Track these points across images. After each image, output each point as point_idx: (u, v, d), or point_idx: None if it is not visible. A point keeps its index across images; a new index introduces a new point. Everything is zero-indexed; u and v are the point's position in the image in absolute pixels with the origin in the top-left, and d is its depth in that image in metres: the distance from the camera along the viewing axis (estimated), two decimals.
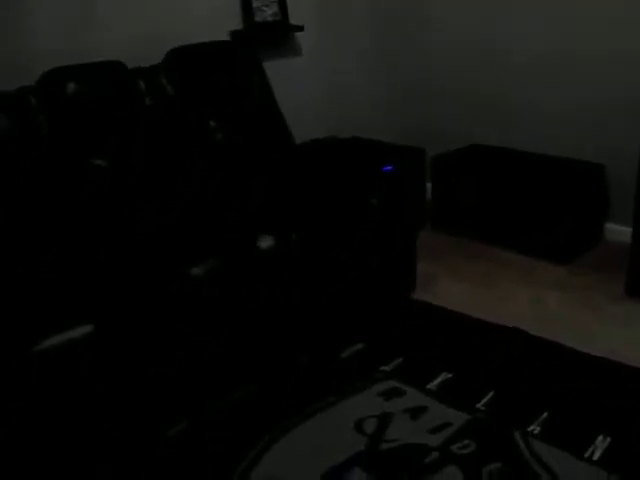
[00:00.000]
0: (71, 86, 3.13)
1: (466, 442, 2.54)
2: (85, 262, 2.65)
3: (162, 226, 2.93)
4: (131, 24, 3.61)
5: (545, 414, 2.67)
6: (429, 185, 4.51)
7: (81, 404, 2.38)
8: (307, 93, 4.42)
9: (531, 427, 2.61)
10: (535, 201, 3.99)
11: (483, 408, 2.73)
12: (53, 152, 3.03)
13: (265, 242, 2.85)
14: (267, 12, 4.25)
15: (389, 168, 3.77)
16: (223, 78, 3.63)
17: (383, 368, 3.01)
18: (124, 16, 3.59)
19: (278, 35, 4.35)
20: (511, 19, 4.27)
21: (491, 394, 2.81)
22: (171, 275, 2.63)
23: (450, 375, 2.94)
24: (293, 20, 4.31)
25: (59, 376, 2.31)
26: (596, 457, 2.45)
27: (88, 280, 2.54)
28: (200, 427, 2.67)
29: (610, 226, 4.16)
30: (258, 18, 4.20)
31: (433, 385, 2.88)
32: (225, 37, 4.03)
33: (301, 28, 4.31)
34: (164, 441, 2.60)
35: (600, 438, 2.53)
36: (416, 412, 2.72)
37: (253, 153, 3.56)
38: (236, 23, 4.12)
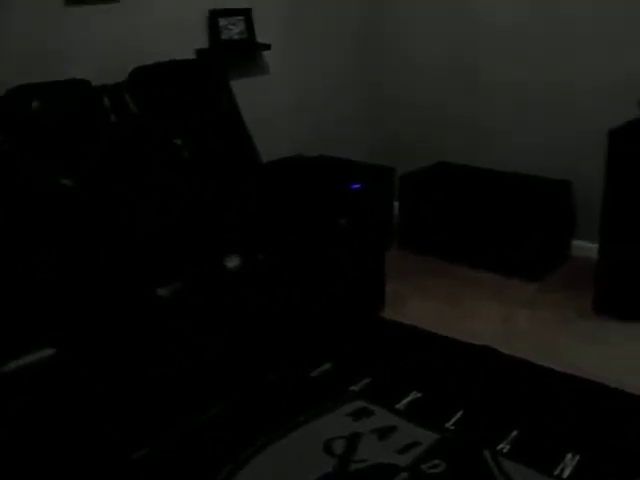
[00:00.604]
0: (35, 103, 3.09)
1: (436, 462, 2.52)
2: (48, 283, 2.60)
3: (127, 246, 2.89)
4: (97, 42, 3.58)
5: (515, 432, 2.66)
6: (396, 204, 4.51)
7: (45, 427, 2.33)
8: (274, 111, 4.40)
9: (501, 446, 2.59)
10: (503, 219, 4.00)
11: (452, 427, 2.71)
12: (16, 171, 2.98)
13: (232, 262, 2.83)
14: (234, 30, 4.23)
15: (357, 187, 3.76)
16: (189, 96, 3.61)
17: (352, 388, 2.99)
18: (90, 33, 3.55)
19: (245, 54, 4.34)
20: (479, 39, 4.31)
21: (460, 413, 2.79)
22: (136, 296, 2.59)
23: (419, 394, 2.92)
24: (260, 38, 4.30)
25: (20, 400, 2.26)
26: (566, 475, 2.44)
27: (50, 302, 2.49)
28: (165, 450, 2.62)
29: (577, 243, 4.19)
30: (225, 36, 4.18)
31: (402, 405, 2.86)
32: (191, 55, 4.01)
33: (268, 47, 4.29)
34: (128, 465, 2.55)
35: (569, 456, 2.53)
36: (385, 432, 2.70)
37: (219, 171, 3.54)
38: (202, 41, 4.10)
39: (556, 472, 2.45)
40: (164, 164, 3.39)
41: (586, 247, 4.03)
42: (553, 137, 4.13)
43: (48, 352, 2.31)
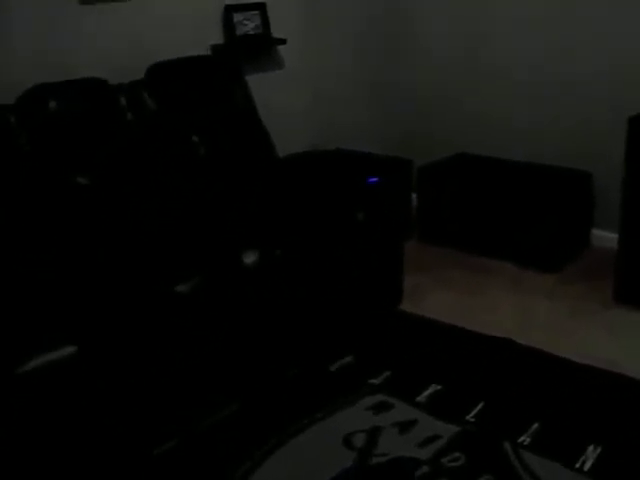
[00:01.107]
0: (52, 103, 3.12)
1: (456, 455, 2.52)
2: (68, 281, 2.62)
3: (146, 243, 2.90)
4: (113, 40, 3.61)
5: (535, 425, 2.65)
6: (414, 196, 4.50)
7: (66, 425, 2.35)
8: (290, 106, 4.41)
9: (521, 438, 2.59)
10: (522, 209, 3.98)
11: (473, 420, 2.70)
12: (35, 170, 3.01)
13: (249, 258, 2.83)
14: (249, 26, 4.24)
15: (374, 180, 3.75)
16: (205, 93, 3.62)
17: (372, 381, 2.99)
18: (106, 32, 3.58)
19: (260, 49, 4.34)
20: (495, 32, 4.28)
21: (481, 405, 2.79)
22: (156, 293, 2.61)
23: (439, 387, 2.92)
24: (275, 33, 4.31)
25: (43, 397, 2.27)
26: (587, 467, 2.43)
27: (71, 300, 2.52)
28: (187, 446, 2.64)
29: (597, 232, 4.16)
30: (239, 32, 4.19)
31: (422, 397, 2.86)
32: (207, 51, 4.02)
33: (283, 41, 4.30)
34: (151, 460, 2.56)
35: (591, 448, 2.51)
36: (405, 425, 2.69)
37: (236, 167, 3.54)
38: (217, 37, 4.11)
39: (577, 465, 2.44)
40: (181, 161, 3.40)
41: (606, 237, 4.00)
42: (571, 127, 4.10)
43: (70, 350, 2.33)
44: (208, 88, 3.66)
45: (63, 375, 2.32)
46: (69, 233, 2.94)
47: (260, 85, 4.05)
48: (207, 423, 2.73)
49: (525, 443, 2.56)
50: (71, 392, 2.35)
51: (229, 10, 4.13)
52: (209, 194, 3.35)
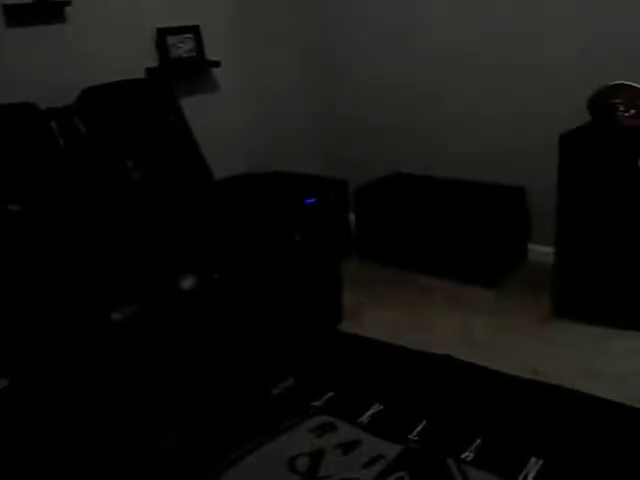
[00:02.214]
0: None
1: (400, 474, 2.51)
2: None
3: (79, 270, 2.84)
4: (43, 65, 3.54)
5: (478, 440, 2.66)
6: (353, 216, 4.51)
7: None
8: (226, 128, 4.38)
9: (464, 454, 2.59)
10: (459, 226, 4.02)
11: (416, 438, 2.70)
12: None
13: (186, 282, 2.80)
14: (183, 48, 4.21)
15: (311, 201, 3.75)
16: (139, 116, 3.58)
17: (314, 403, 2.97)
18: (35, 55, 3.51)
19: (194, 71, 4.32)
20: (427, 53, 4.34)
21: (423, 423, 2.79)
22: (90, 321, 2.55)
23: (381, 407, 2.91)
24: (209, 56, 4.29)
25: None
26: (529, 479, 2.44)
27: (1, 330, 2.44)
28: (125, 476, 2.58)
29: (533, 247, 4.22)
30: (174, 54, 4.16)
31: (365, 418, 2.84)
32: (141, 74, 3.98)
33: (217, 64, 4.28)
34: None
35: (533, 460, 2.53)
36: (349, 446, 2.68)
37: (172, 191, 3.50)
38: (151, 61, 4.07)
39: (520, 477, 2.46)
40: (115, 186, 3.35)
41: (542, 251, 4.06)
42: (506, 144, 4.16)
43: (2, 382, 2.27)
44: (142, 112, 3.63)
45: None
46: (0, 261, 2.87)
47: (196, 108, 4.03)
48: (147, 453, 2.68)
49: (468, 459, 2.57)
50: (3, 425, 2.28)
51: (162, 33, 4.10)
52: (144, 219, 3.30)
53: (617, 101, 3.34)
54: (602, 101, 3.40)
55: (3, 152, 3.07)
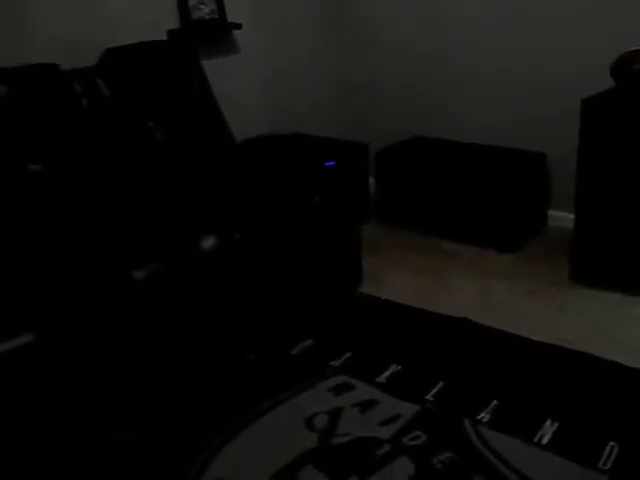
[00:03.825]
0: (3, 89, 3.05)
1: (416, 433, 2.54)
2: (23, 268, 2.59)
3: (102, 229, 2.87)
4: (65, 26, 3.54)
5: (494, 402, 2.69)
6: (372, 180, 4.52)
7: (22, 414, 2.33)
8: (247, 90, 4.39)
9: (480, 415, 2.62)
10: (479, 191, 4.02)
11: (432, 399, 2.73)
12: None
13: (207, 242, 2.82)
14: (204, 10, 4.20)
15: (331, 164, 3.77)
16: (160, 77, 3.58)
17: (332, 363, 3.00)
18: (58, 18, 3.51)
19: (216, 33, 4.31)
20: (446, 17, 4.32)
21: (440, 385, 2.82)
22: (113, 279, 2.59)
23: (399, 367, 2.94)
24: (231, 18, 4.28)
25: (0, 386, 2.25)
26: (545, 441, 2.47)
27: (27, 287, 2.49)
28: (147, 433, 2.63)
29: (553, 213, 4.22)
30: (195, 16, 4.15)
31: (382, 378, 2.88)
32: (162, 37, 3.98)
33: (239, 26, 4.27)
34: (112, 448, 2.55)
35: (548, 422, 2.56)
36: (366, 406, 2.72)
37: (193, 152, 3.52)
38: (173, 22, 4.07)
39: (536, 439, 2.48)
40: (137, 147, 3.37)
41: (562, 217, 4.06)
42: (526, 109, 4.14)
43: (27, 338, 2.31)
44: (163, 73, 3.63)
45: (22, 363, 2.30)
46: (22, 221, 2.90)
47: (216, 70, 4.02)
48: (168, 408, 2.73)
49: (484, 420, 2.60)
50: (30, 380, 2.33)
51: None
52: (166, 179, 3.32)
53: (639, 66, 3.31)
54: (624, 67, 3.36)
55: (26, 113, 3.09)
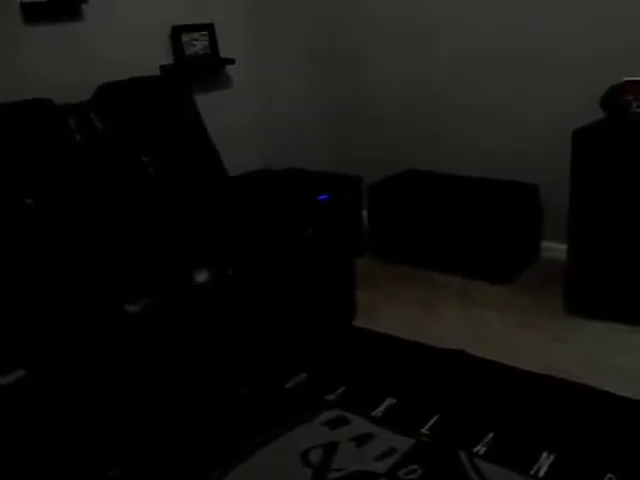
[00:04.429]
0: None
1: (412, 467, 2.52)
2: (15, 303, 2.58)
3: (95, 264, 2.87)
4: (59, 62, 3.57)
5: (490, 434, 2.67)
6: (365, 213, 4.53)
7: (16, 449, 2.31)
8: (240, 125, 4.42)
9: (477, 448, 2.60)
10: (471, 223, 4.03)
11: (428, 432, 2.72)
12: None
13: (201, 276, 2.82)
14: (197, 46, 4.25)
15: (325, 197, 3.77)
16: (154, 112, 3.61)
17: (328, 397, 2.98)
18: (52, 52, 3.54)
19: (209, 69, 4.35)
20: (440, 55, 4.36)
21: (436, 417, 2.80)
22: (106, 314, 2.57)
23: (394, 401, 2.93)
24: (224, 53, 4.32)
25: None
26: (542, 474, 2.45)
27: (19, 322, 2.47)
28: (141, 466, 2.60)
29: (546, 244, 4.22)
30: (189, 52, 4.20)
31: (378, 412, 2.86)
32: (156, 72, 4.01)
33: (232, 61, 4.31)
34: None
35: (545, 454, 2.54)
36: (362, 440, 2.70)
37: (186, 187, 3.53)
38: (166, 58, 4.10)
39: (532, 471, 2.47)
40: (131, 181, 3.38)
41: (555, 248, 4.07)
42: (519, 141, 4.17)
43: (19, 373, 2.29)
44: (157, 108, 3.66)
45: (13, 399, 2.28)
46: (16, 255, 2.90)
47: (210, 105, 4.05)
48: (161, 444, 2.70)
49: (480, 453, 2.58)
50: (22, 415, 2.31)
51: (177, 31, 4.14)
52: (159, 214, 3.33)
53: (630, 97, 3.34)
54: (615, 97, 3.40)
55: (20, 147, 3.11)
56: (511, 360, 3.14)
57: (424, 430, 2.73)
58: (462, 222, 4.06)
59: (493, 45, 4.13)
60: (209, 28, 4.30)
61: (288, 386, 3.09)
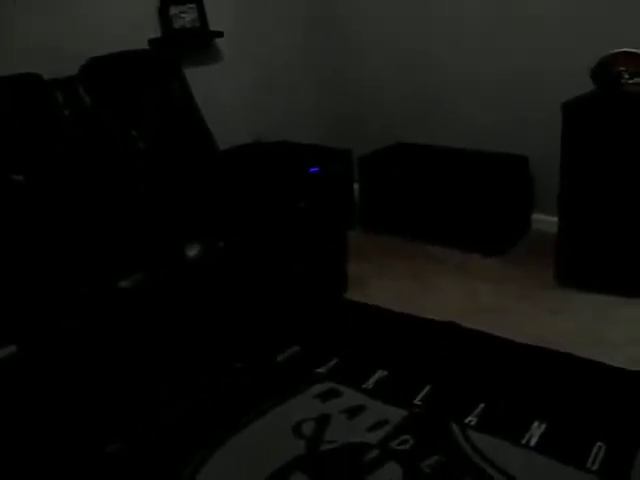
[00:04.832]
0: None
1: (404, 438, 2.54)
2: (7, 279, 2.57)
3: (86, 239, 2.86)
4: (47, 35, 3.53)
5: (481, 405, 2.69)
6: (357, 186, 4.52)
7: (10, 426, 2.31)
8: (229, 98, 4.38)
9: (468, 419, 2.62)
10: (462, 195, 4.03)
11: (420, 403, 2.73)
12: None
13: (192, 250, 2.81)
14: (185, 19, 4.20)
15: (316, 170, 3.77)
16: (143, 86, 3.59)
17: (319, 370, 3.00)
18: (40, 29, 3.50)
19: (197, 41, 4.31)
20: (431, 27, 4.33)
21: (427, 389, 2.82)
22: (98, 289, 2.57)
23: (386, 373, 2.94)
24: (212, 26, 4.28)
25: None
26: (533, 443, 2.47)
27: (11, 298, 2.47)
28: (137, 442, 2.61)
29: (536, 216, 4.23)
30: (177, 25, 4.15)
31: (369, 384, 2.87)
32: (144, 46, 3.97)
33: (220, 34, 4.27)
34: (101, 458, 2.53)
35: (536, 424, 2.56)
36: (353, 411, 2.71)
37: (176, 160, 3.52)
38: (154, 31, 4.06)
39: (524, 441, 2.49)
40: (120, 155, 3.36)
41: (545, 220, 4.08)
42: (508, 112, 4.16)
43: (10, 349, 2.29)
44: (146, 82, 3.63)
45: (5, 375, 2.28)
46: (5, 231, 2.88)
47: (199, 78, 4.02)
48: (157, 417, 2.71)
49: (472, 423, 2.60)
50: (15, 391, 2.32)
51: (165, 3, 4.09)
52: (149, 188, 3.32)
53: (621, 69, 3.33)
54: (606, 69, 3.39)
55: (8, 123, 3.08)
56: (503, 332, 3.15)
57: (416, 401, 2.74)
58: (453, 194, 4.06)
59: (483, 15, 4.11)
60: (197, 0, 4.25)
61: (280, 359, 3.09)
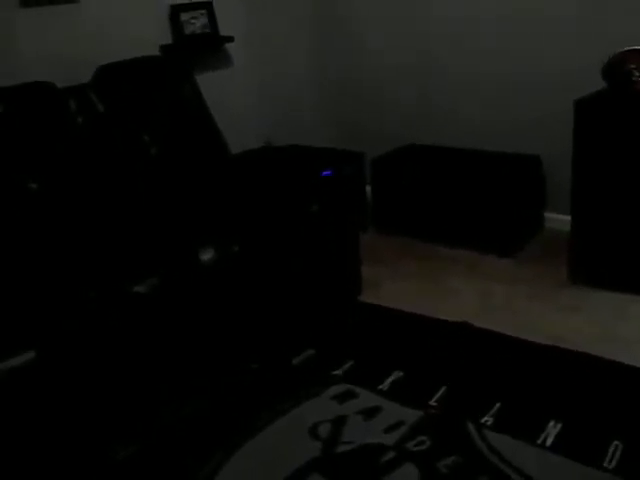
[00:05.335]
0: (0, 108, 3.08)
1: (421, 438, 2.55)
2: (24, 286, 2.60)
3: (101, 245, 2.88)
4: (59, 44, 3.56)
5: (497, 405, 2.69)
6: (369, 188, 4.53)
7: (27, 431, 2.33)
8: (241, 103, 4.41)
9: (484, 419, 2.62)
10: (475, 196, 4.03)
11: (436, 404, 2.74)
12: None
13: (206, 255, 2.83)
14: (196, 25, 4.23)
15: (328, 173, 3.77)
16: (154, 92, 3.60)
17: (335, 372, 3.00)
18: (51, 35, 3.53)
19: (208, 47, 4.33)
20: (438, 29, 4.35)
21: (443, 389, 2.82)
22: (113, 294, 2.59)
23: (401, 374, 2.95)
24: (223, 31, 4.30)
25: (3, 404, 2.25)
26: (549, 442, 2.47)
27: (28, 304, 2.49)
28: (152, 445, 2.63)
29: (549, 215, 4.23)
30: (187, 31, 4.18)
31: (385, 385, 2.88)
32: (156, 52, 4.00)
33: (231, 39, 4.29)
34: (114, 464, 2.55)
35: (551, 423, 2.56)
36: (370, 413, 2.72)
37: (189, 165, 3.54)
38: (165, 38, 4.09)
39: (539, 440, 2.49)
40: (133, 162, 3.39)
41: (558, 219, 4.07)
42: (520, 112, 4.16)
43: (29, 355, 2.31)
44: (157, 88, 3.65)
45: (24, 380, 2.31)
46: (21, 238, 2.91)
47: (210, 83, 4.04)
48: (172, 420, 2.73)
49: (488, 423, 2.60)
50: (33, 396, 2.34)
51: (176, 10, 4.12)
52: (163, 193, 3.34)
53: (632, 66, 3.33)
54: (617, 67, 3.38)
55: (22, 131, 3.10)
56: (517, 331, 3.15)
57: (432, 402, 2.75)
58: (465, 195, 4.06)
59: (493, 15, 4.11)
60: (208, 6, 4.27)
61: (295, 362, 3.11)
